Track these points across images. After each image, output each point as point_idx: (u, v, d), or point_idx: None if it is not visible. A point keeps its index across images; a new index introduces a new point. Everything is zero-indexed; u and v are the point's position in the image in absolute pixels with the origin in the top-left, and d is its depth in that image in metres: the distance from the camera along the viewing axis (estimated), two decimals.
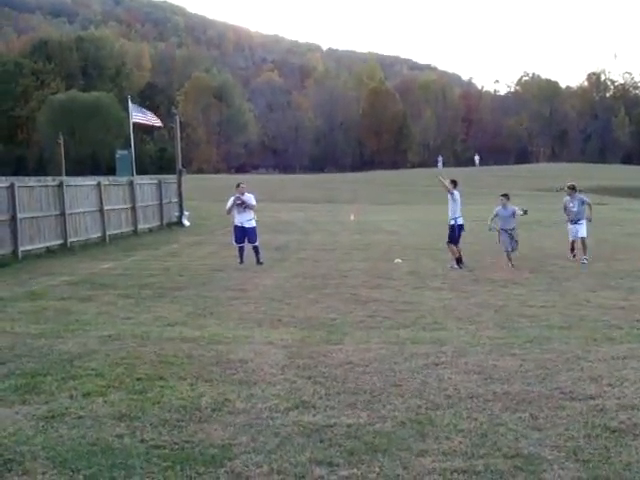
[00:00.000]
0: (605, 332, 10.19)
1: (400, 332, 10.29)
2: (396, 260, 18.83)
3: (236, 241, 19.09)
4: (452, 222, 18.14)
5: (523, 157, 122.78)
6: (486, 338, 9.82)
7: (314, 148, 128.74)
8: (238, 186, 19.35)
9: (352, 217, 34.04)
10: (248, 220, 19.02)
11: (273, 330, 10.58)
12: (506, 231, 18.10)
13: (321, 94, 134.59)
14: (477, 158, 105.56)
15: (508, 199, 18.67)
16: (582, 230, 19.00)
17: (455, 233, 18.21)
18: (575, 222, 19.12)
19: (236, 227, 19.06)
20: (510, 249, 18.07)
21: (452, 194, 18.13)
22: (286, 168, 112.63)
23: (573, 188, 19.54)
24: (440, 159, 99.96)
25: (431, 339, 9.78)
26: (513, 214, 18.25)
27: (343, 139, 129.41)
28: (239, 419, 6.64)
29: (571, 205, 19.24)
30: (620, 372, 8.06)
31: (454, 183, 18.51)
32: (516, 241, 18.21)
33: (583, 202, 19.35)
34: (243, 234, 18.93)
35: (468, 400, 7.10)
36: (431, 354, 8.88)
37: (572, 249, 19.49)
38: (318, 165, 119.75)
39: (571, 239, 19.53)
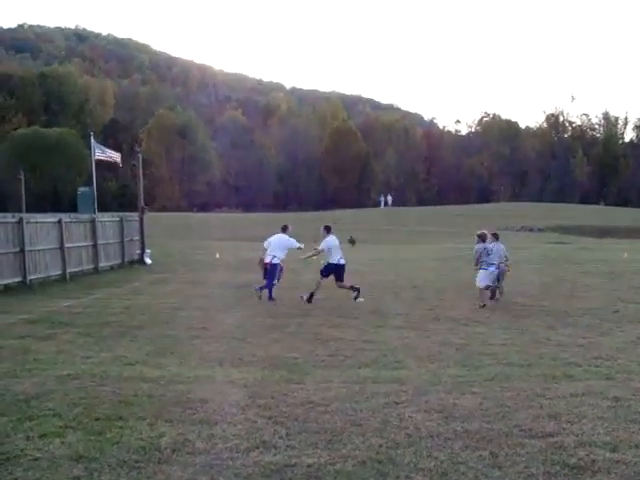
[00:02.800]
0: (564, 370, 10.31)
1: (361, 371, 10.29)
2: (359, 299, 18.85)
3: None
4: (335, 262, 18.94)
5: (484, 196, 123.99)
6: (447, 376, 9.86)
7: (277, 186, 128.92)
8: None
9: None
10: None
11: (234, 369, 10.52)
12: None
13: (284, 132, 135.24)
14: (389, 199, 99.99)
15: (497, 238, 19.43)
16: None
17: (330, 270, 19.02)
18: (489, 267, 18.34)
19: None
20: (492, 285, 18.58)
21: (324, 249, 19.04)
22: (249, 206, 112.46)
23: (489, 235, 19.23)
24: (382, 198, 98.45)
25: (392, 378, 9.80)
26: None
27: (306, 177, 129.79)
28: (199, 459, 6.59)
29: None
30: (578, 409, 8.16)
31: (327, 229, 19.48)
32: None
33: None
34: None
35: (429, 439, 7.13)
36: (392, 393, 8.89)
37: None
38: (281, 203, 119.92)
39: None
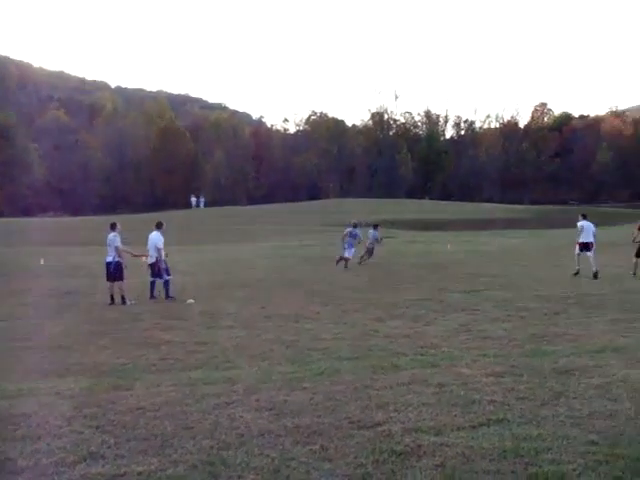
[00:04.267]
0: (391, 360, 10.61)
1: (192, 373, 10.17)
2: (189, 300, 18.65)
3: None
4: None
5: (314, 193, 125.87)
6: (277, 374, 9.92)
7: (104, 188, 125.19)
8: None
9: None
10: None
11: (60, 380, 10.12)
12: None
13: (110, 133, 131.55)
14: (202, 200, 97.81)
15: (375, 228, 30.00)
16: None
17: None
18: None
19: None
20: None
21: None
22: (75, 209, 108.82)
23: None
24: (194, 199, 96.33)
25: (223, 378, 9.73)
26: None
27: (134, 178, 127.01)
28: (22, 478, 6.27)
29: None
30: (405, 397, 8.41)
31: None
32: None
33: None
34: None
35: (260, 437, 7.12)
36: (223, 394, 8.83)
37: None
38: (109, 206, 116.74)
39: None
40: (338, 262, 27.92)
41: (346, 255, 27.83)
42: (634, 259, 23.47)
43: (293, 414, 7.86)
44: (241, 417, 7.82)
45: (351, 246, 28.10)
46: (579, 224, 24.28)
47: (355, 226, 28.86)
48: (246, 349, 12.10)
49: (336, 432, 7.20)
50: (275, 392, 8.85)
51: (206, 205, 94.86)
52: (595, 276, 22.29)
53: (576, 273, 23.16)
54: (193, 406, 8.33)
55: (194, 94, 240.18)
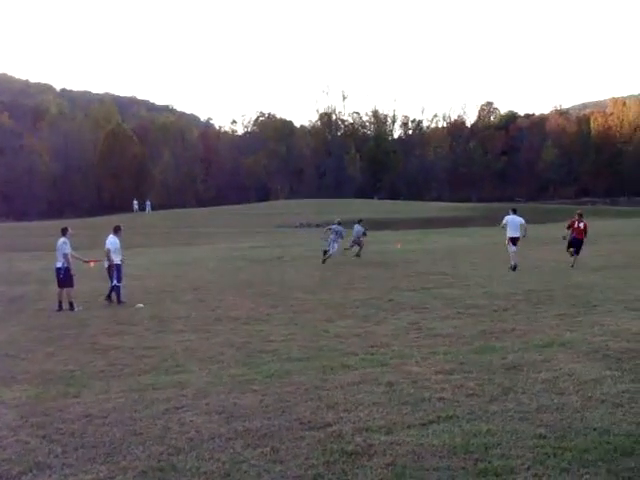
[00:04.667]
0: (341, 360, 10.62)
1: (141, 379, 10.07)
2: (138, 305, 18.47)
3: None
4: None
5: (263, 195, 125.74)
6: (228, 377, 9.86)
7: (50, 193, 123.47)
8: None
9: None
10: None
11: (6, 389, 9.92)
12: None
13: (56, 137, 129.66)
14: (148, 204, 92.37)
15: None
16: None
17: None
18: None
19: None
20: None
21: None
22: (21, 214, 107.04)
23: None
24: (136, 203, 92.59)
25: (172, 383, 9.65)
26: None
27: (81, 182, 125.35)
28: None
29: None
30: (355, 397, 8.42)
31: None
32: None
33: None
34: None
35: (210, 441, 7.07)
36: (172, 398, 8.75)
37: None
38: (56, 210, 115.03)
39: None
40: (325, 261, 29.80)
41: (330, 250, 30.05)
42: (569, 253, 25.09)
43: (243, 417, 7.82)
44: (191, 421, 7.76)
45: (335, 241, 30.36)
46: (504, 218, 25.27)
47: (339, 223, 31.06)
48: (196, 352, 12.02)
49: (287, 434, 7.18)
50: (225, 395, 8.80)
51: (153, 209, 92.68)
52: (513, 269, 23.73)
53: (513, 268, 23.92)
54: (142, 412, 8.24)
55: (141, 96, 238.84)
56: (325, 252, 30.08)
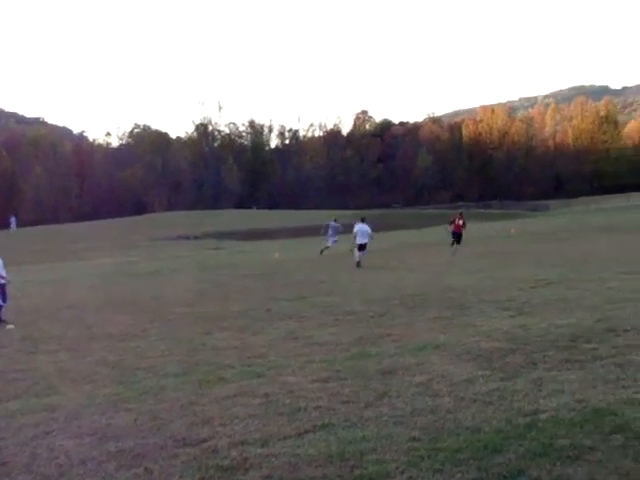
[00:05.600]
0: (218, 373, 10.51)
1: (10, 404, 9.62)
2: (8, 326, 17.75)
3: None
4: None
5: (140, 208, 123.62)
6: (102, 397, 9.58)
7: None
8: None
9: None
10: None
11: None
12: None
13: None
14: (13, 220, 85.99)
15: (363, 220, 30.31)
16: None
17: None
18: None
19: None
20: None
21: None
22: None
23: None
24: (13, 220, 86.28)
25: (43, 406, 9.28)
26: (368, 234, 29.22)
27: None
28: None
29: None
30: (231, 410, 8.34)
31: None
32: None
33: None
34: None
35: (81, 465, 6.83)
36: (42, 422, 8.42)
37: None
38: None
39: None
40: (322, 251, 35.46)
41: (329, 244, 35.67)
42: (452, 244, 32.00)
43: (116, 437, 7.60)
44: (61, 446, 7.48)
45: (332, 237, 35.93)
46: (355, 227, 29.07)
47: (335, 221, 36.99)
48: (69, 373, 11.63)
49: (160, 452, 7.03)
50: (98, 416, 8.55)
51: (18, 225, 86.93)
52: (358, 265, 27.81)
53: (357, 265, 27.86)
54: (9, 439, 7.88)
55: (9, 108, 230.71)
56: (325, 248, 35.27)
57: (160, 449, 7.13)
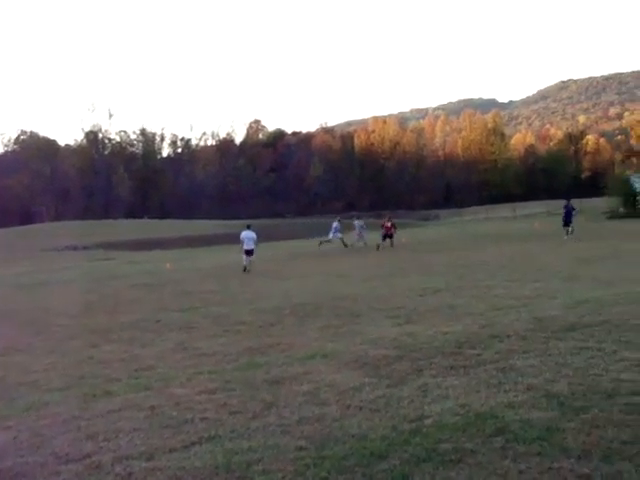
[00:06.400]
0: (104, 387, 10.30)
1: None
2: None
3: None
4: None
5: (27, 217, 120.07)
6: None
7: None
8: None
9: None
10: None
11: None
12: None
13: None
14: None
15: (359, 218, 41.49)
16: None
17: None
18: None
19: None
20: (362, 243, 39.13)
21: None
22: None
23: None
24: None
25: None
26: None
27: None
28: None
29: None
30: (116, 424, 8.19)
31: None
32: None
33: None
34: None
35: None
36: None
37: None
38: None
39: None
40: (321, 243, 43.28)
41: (330, 237, 43.14)
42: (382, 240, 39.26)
43: None
44: None
45: (336, 232, 42.97)
46: (242, 234, 31.24)
47: (339, 221, 44.03)
48: None
49: (41, 470, 6.84)
50: None
51: None
52: (245, 269, 30.03)
53: (244, 269, 30.10)
54: None
55: None
56: (326, 241, 42.88)
57: (41, 467, 6.94)
